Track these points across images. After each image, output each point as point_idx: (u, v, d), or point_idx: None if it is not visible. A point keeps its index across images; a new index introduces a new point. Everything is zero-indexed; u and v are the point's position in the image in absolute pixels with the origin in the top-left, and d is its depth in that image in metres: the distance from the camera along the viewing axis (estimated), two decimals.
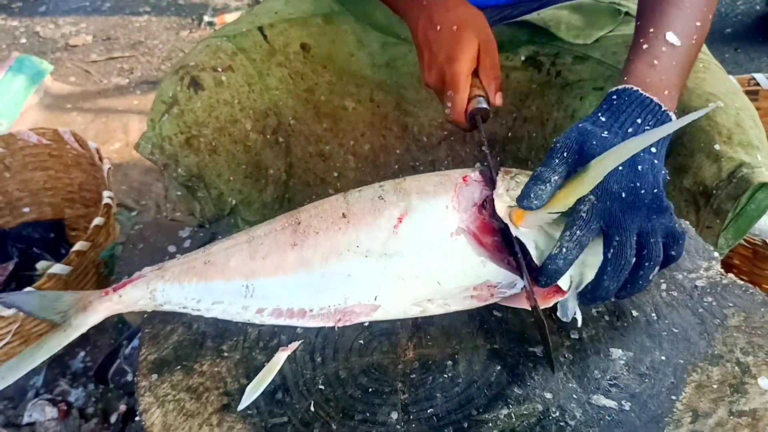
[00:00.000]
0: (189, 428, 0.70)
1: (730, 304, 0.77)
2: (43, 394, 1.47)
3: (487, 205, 0.77)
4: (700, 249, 0.84)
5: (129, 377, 1.26)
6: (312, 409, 0.71)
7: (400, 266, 0.73)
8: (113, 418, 1.38)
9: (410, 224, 0.75)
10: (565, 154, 0.70)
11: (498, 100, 0.92)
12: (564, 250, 0.67)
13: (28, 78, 2.44)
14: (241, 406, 0.71)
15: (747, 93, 1.58)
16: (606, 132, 0.72)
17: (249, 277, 0.75)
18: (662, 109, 0.76)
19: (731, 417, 0.65)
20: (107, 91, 2.54)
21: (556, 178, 0.69)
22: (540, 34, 1.15)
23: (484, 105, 0.90)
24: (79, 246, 1.35)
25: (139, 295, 0.77)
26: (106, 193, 1.44)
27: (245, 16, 1.20)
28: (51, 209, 1.81)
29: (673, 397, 0.68)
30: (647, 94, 0.76)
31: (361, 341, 0.77)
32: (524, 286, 0.72)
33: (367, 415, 0.70)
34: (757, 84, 1.56)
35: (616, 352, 0.73)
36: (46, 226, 1.77)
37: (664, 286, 0.79)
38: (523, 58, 1.15)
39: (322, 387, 0.73)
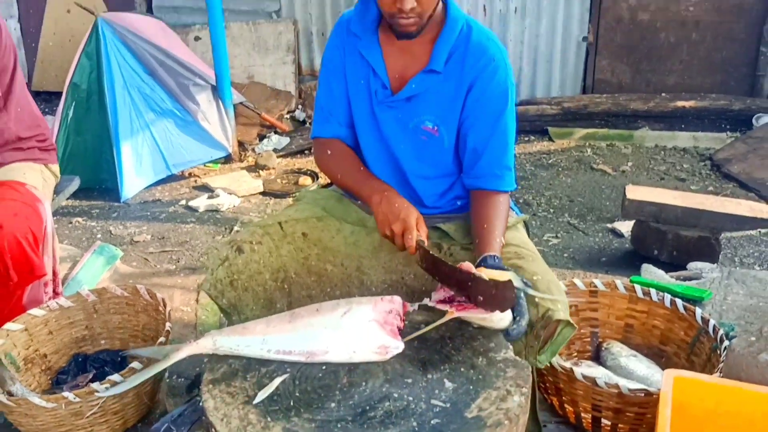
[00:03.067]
0: (227, 410, 1.29)
1: (510, 366, 1.38)
2: None
3: (392, 312, 1.43)
4: (504, 344, 1.47)
5: None
6: (292, 403, 1.30)
7: (343, 333, 1.37)
8: None
9: (350, 315, 1.40)
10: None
11: (426, 240, 1.63)
12: (521, 308, 1.41)
13: (105, 259, 3.13)
14: (256, 401, 1.30)
15: (590, 293, 2.25)
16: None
17: (265, 334, 1.39)
18: (500, 260, 1.47)
19: (497, 410, 1.26)
20: (159, 273, 3.23)
21: None
22: (445, 234, 1.87)
23: (422, 239, 1.61)
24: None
25: (207, 343, 1.40)
26: (168, 324, 2.06)
27: (272, 215, 1.93)
28: (120, 342, 2.39)
29: (471, 402, 1.28)
30: (495, 254, 1.51)
31: (320, 374, 1.38)
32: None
33: (320, 405, 1.29)
34: (596, 286, 2.24)
35: (448, 383, 1.33)
36: (115, 354, 2.35)
37: (480, 358, 1.42)
38: (432, 242, 1.86)
39: (298, 394, 1.33)
